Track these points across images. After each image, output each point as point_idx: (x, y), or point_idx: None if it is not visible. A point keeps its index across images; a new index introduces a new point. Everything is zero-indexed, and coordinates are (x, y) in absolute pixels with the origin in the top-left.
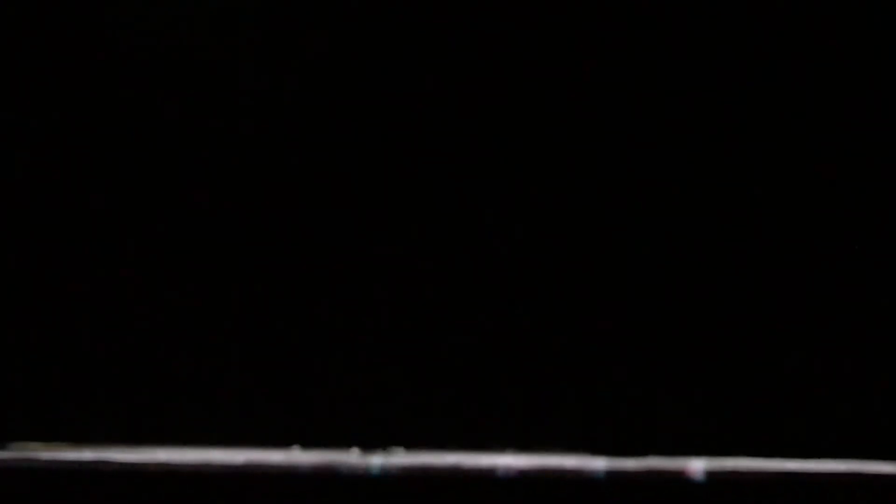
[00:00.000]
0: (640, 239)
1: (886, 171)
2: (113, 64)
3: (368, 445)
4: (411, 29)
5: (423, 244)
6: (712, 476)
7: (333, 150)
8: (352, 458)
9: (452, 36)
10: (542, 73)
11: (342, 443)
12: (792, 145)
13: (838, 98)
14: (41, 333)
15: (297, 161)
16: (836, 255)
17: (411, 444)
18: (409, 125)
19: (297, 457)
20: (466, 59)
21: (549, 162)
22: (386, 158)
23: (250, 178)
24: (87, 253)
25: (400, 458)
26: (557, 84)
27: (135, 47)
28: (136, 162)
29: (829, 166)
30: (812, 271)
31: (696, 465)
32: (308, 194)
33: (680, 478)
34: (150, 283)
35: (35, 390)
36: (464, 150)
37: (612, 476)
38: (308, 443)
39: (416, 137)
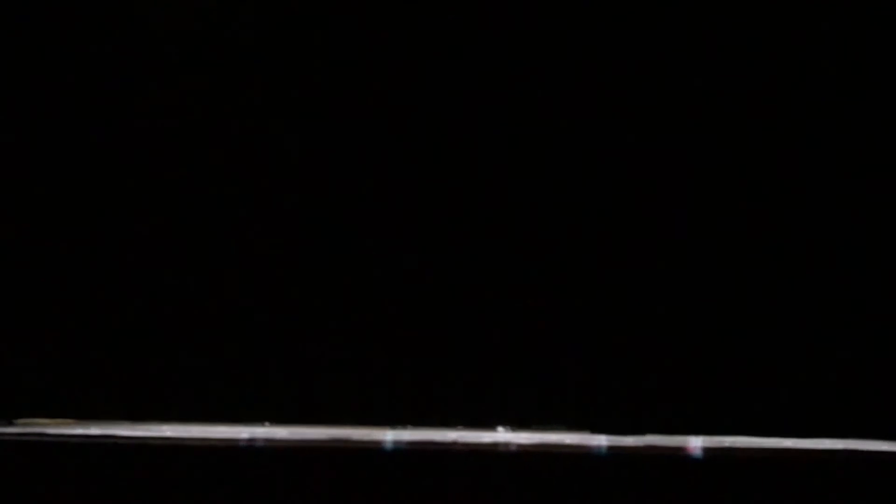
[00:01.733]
0: (641, 227)
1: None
2: (112, 64)
3: (385, 423)
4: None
5: (437, 231)
6: (710, 453)
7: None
8: (362, 434)
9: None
10: (541, 73)
11: (354, 420)
12: (788, 144)
13: (838, 98)
14: (50, 313)
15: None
16: (825, 240)
17: (423, 422)
18: (409, 125)
19: (303, 433)
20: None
21: (537, 157)
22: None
23: (249, 175)
24: (94, 238)
25: (412, 435)
26: (556, 84)
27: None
28: (128, 153)
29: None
30: (804, 258)
31: (695, 443)
32: (310, 187)
33: (679, 454)
34: (157, 262)
35: (43, 368)
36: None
37: (614, 453)
38: (322, 421)
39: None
